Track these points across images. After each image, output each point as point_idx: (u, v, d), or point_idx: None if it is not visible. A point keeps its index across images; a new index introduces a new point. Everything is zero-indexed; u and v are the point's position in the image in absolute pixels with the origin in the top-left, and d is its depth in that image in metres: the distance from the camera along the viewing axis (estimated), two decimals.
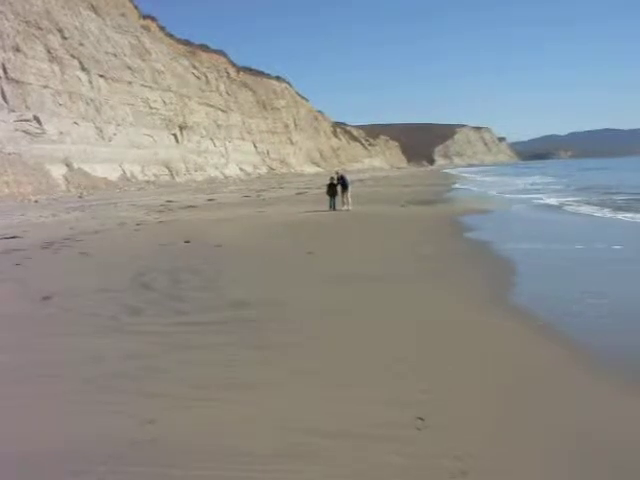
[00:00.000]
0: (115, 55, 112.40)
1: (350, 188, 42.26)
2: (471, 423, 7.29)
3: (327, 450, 6.58)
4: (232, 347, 10.63)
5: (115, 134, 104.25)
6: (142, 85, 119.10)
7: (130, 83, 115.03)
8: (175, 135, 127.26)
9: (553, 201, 46.88)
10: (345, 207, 40.71)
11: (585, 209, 38.58)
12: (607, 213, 35.30)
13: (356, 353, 10.16)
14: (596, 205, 40.77)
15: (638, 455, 6.52)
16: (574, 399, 8.16)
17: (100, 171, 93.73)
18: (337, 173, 43.78)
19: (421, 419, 7.32)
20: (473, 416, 7.50)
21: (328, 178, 44.51)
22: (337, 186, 41.92)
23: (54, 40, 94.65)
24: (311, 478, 6.00)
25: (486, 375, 9.05)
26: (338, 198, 41.69)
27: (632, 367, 9.55)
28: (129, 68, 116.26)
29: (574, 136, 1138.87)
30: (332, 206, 41.27)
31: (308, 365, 9.54)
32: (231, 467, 6.27)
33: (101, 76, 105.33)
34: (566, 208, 40.06)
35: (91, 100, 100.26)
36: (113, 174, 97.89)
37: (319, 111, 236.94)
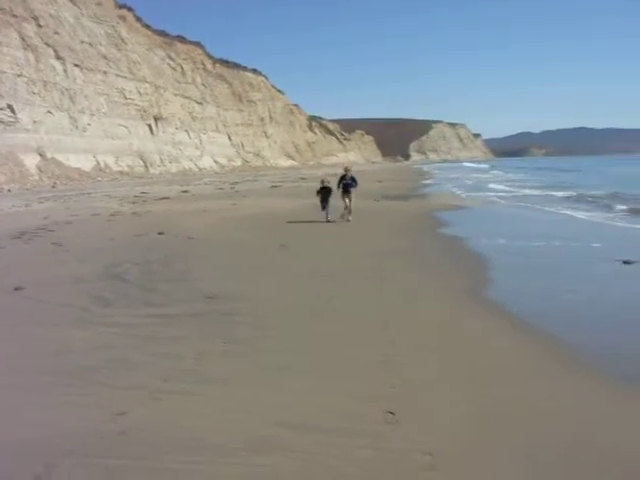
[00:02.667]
0: (91, 44, 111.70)
1: (355, 192, 31.56)
2: (441, 418, 7.33)
3: (297, 443, 6.60)
4: (202, 339, 10.64)
5: (89, 124, 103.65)
6: (117, 75, 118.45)
7: (105, 73, 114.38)
8: (150, 126, 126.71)
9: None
10: (347, 217, 30.60)
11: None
12: (574, 211, 35.65)
13: (327, 347, 10.19)
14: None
15: (609, 452, 6.59)
16: (545, 393, 8.23)
17: (74, 161, 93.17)
18: (347, 170, 31.95)
19: (391, 413, 7.36)
20: (443, 411, 7.54)
21: (318, 182, 33.51)
22: (331, 190, 31.18)
23: (29, 28, 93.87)
24: (281, 471, 6.02)
25: (457, 370, 9.11)
26: (332, 205, 31.29)
27: (602, 358, 9.72)
28: (105, 58, 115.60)
29: (548, 134, 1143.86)
30: (327, 216, 30.72)
31: (279, 359, 9.56)
32: (201, 460, 6.28)
33: (76, 65, 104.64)
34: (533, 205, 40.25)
35: (66, 89, 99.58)
36: (87, 164, 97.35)
37: (295, 104, 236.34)
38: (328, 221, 30.12)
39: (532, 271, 17.42)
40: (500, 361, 9.65)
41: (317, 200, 32.08)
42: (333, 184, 31.98)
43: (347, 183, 31.07)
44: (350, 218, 30.50)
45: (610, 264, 17.76)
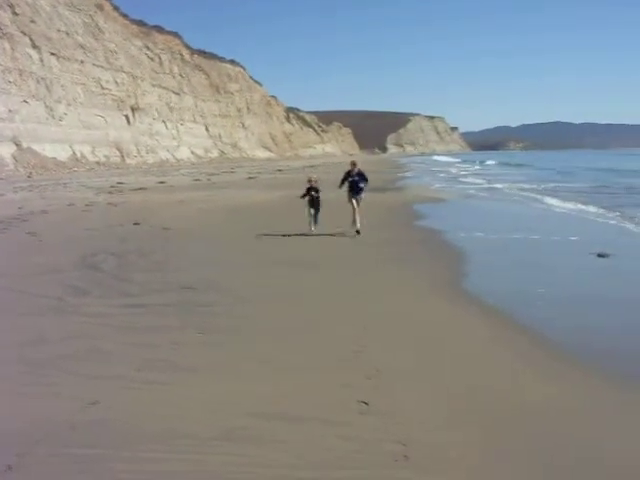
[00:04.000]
0: (67, 33, 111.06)
1: (364, 193, 24.11)
2: (414, 408, 7.36)
3: (271, 433, 6.61)
4: (178, 330, 10.63)
5: (66, 114, 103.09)
6: (94, 65, 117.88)
7: (82, 62, 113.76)
8: (127, 116, 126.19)
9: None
10: (354, 226, 23.04)
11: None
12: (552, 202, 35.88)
13: (302, 338, 10.20)
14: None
15: (574, 440, 6.65)
16: (516, 383, 8.29)
17: (50, 151, 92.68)
18: (354, 165, 24.11)
19: (365, 403, 7.39)
20: (416, 401, 7.57)
21: (306, 181, 24.93)
22: (319, 193, 23.82)
23: (4, 16, 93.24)
24: (255, 461, 6.02)
25: (431, 361, 9.16)
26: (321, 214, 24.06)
27: (572, 347, 9.86)
28: (81, 47, 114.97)
29: (525, 128, 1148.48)
30: (313, 223, 23.68)
31: (254, 349, 9.57)
32: (175, 449, 6.27)
33: (53, 54, 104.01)
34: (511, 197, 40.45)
35: (42, 78, 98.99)
36: (63, 154, 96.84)
37: (272, 96, 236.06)
38: (312, 231, 22.82)
39: (508, 264, 17.54)
40: (474, 352, 9.70)
41: (306, 208, 23.94)
42: (324, 185, 25.53)
43: (355, 180, 23.25)
44: (359, 226, 22.39)
45: (585, 257, 17.91)
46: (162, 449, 6.28)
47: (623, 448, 6.53)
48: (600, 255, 17.83)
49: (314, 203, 23.68)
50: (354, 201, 23.30)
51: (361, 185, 23.57)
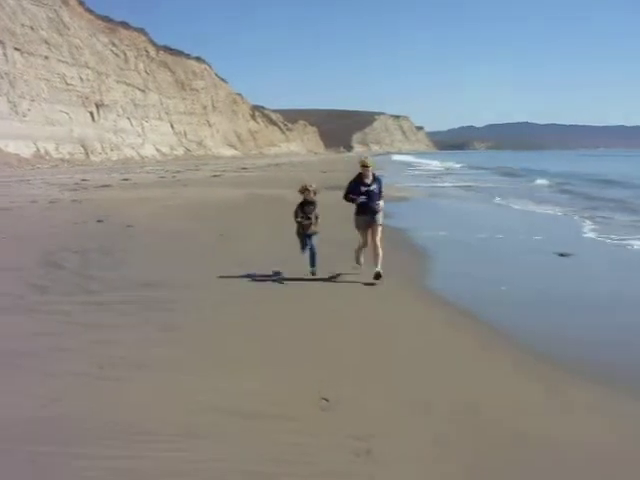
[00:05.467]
0: (32, 28, 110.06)
1: (382, 216, 15.66)
2: (374, 403, 7.43)
3: (232, 429, 6.64)
4: (139, 327, 10.63)
5: (29, 109, 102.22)
6: (59, 60, 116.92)
7: (47, 58, 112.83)
8: (91, 113, 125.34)
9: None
10: (375, 266, 14.94)
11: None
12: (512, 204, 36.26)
13: (263, 335, 10.25)
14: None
15: (534, 437, 6.75)
16: (474, 379, 8.39)
17: (13, 147, 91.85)
18: (364, 162, 15.57)
19: (326, 400, 7.44)
20: (376, 396, 7.64)
21: (299, 188, 16.01)
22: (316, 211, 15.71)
23: None
24: (215, 457, 6.04)
25: (393, 357, 9.24)
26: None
27: (532, 343, 10.03)
28: (46, 42, 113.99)
29: (491, 128, 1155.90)
30: (305, 247, 15.78)
31: (215, 346, 9.60)
32: (136, 446, 6.28)
33: (16, 49, 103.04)
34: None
35: (5, 74, 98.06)
36: (26, 151, 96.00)
37: (238, 94, 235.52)
38: (313, 273, 15.39)
39: (471, 263, 17.68)
40: (435, 349, 9.80)
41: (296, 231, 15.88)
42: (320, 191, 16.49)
43: (370, 193, 15.21)
44: (379, 267, 14.74)
45: (547, 256, 18.15)
46: (123, 446, 6.29)
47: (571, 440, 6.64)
48: (561, 254, 18.08)
49: (304, 230, 15.57)
50: (369, 230, 15.25)
51: (378, 202, 15.18)
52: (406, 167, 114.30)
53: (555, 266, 17.12)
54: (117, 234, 21.63)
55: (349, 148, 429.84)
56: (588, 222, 26.96)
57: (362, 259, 15.86)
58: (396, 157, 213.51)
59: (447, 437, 6.66)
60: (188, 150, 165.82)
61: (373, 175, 15.31)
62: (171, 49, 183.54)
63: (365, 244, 15.48)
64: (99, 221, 24.77)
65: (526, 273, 16.47)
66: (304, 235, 15.59)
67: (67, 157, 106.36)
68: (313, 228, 15.57)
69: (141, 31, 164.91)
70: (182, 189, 44.85)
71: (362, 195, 15.10)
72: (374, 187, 15.18)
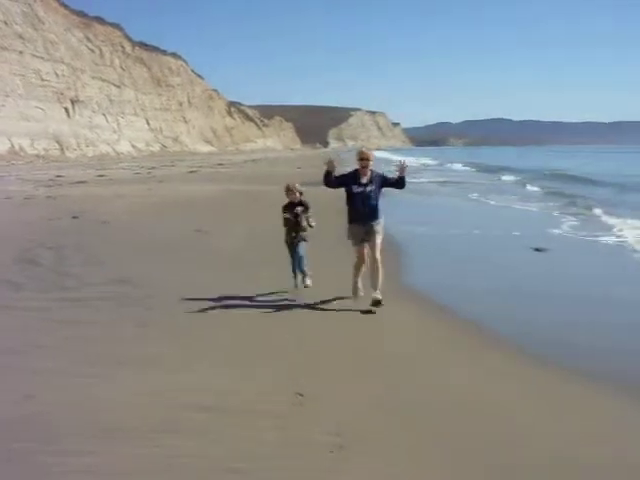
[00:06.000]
0: (6, 23, 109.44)
1: (382, 225, 12.70)
2: (348, 399, 7.45)
3: (206, 425, 6.63)
4: (114, 323, 10.61)
5: (4, 105, 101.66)
6: (34, 55, 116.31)
7: (21, 53, 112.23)
8: (67, 109, 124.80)
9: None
10: (374, 290, 12.11)
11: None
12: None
13: (237, 331, 10.25)
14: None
15: (506, 427, 6.79)
16: (448, 377, 8.42)
17: None
18: (364, 155, 12.42)
19: (300, 395, 7.45)
20: (350, 392, 7.66)
21: (283, 189, 14.00)
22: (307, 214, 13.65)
23: None
24: (190, 452, 6.03)
25: (366, 354, 9.27)
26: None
27: (506, 340, 10.07)
28: (20, 37, 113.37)
29: (467, 124, 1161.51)
30: (295, 273, 13.73)
31: (189, 342, 9.59)
32: (111, 442, 6.26)
33: None
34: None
35: None
36: (1, 147, 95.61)
37: (214, 89, 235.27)
38: (306, 286, 13.45)
39: (448, 259, 17.78)
40: (408, 346, 9.83)
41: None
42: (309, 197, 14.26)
43: (367, 194, 12.40)
44: (378, 294, 12.04)
45: (523, 251, 18.28)
46: (97, 442, 6.26)
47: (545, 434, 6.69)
48: (537, 249, 18.22)
49: (296, 231, 13.55)
50: (366, 242, 12.37)
51: (374, 203, 12.38)
52: (381, 164, 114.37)
53: (530, 260, 17.27)
54: (92, 230, 21.55)
55: (325, 144, 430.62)
56: (563, 218, 27.13)
57: (361, 285, 12.50)
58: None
59: (421, 433, 6.68)
60: (164, 146, 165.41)
61: (371, 172, 12.23)
62: (147, 45, 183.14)
63: (362, 262, 12.36)
64: (74, 217, 24.66)
65: (500, 267, 16.73)
66: (295, 243, 13.34)
67: (42, 153, 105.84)
68: (301, 233, 13.37)
69: (116, 26, 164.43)
70: (158, 185, 44.72)
71: (355, 197, 12.16)
72: (371, 188, 12.14)
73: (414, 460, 6.06)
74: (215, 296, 12.61)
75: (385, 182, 12.47)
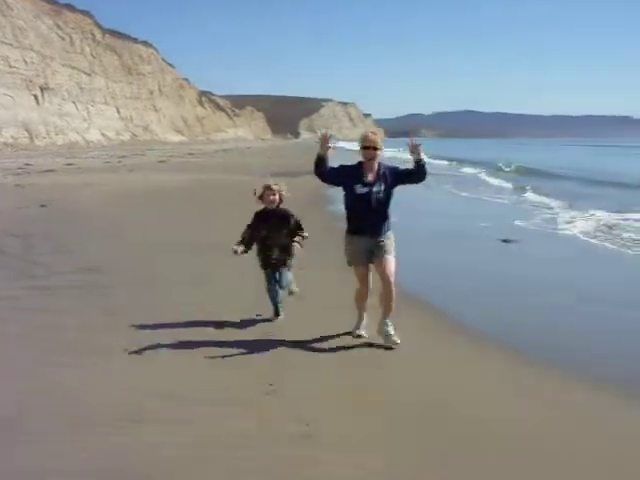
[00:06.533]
0: None
1: (392, 239, 9.57)
2: (317, 389, 7.48)
3: (174, 414, 6.64)
4: (83, 312, 10.58)
5: None
6: (2, 42, 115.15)
7: None
8: (36, 96, 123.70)
9: None
10: (382, 329, 9.32)
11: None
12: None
13: (206, 319, 10.22)
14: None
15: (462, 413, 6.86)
16: (415, 365, 8.48)
17: None
18: (369, 141, 9.16)
19: (270, 385, 7.48)
20: (319, 382, 7.69)
21: (252, 193, 10.26)
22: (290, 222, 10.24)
23: None
24: (161, 441, 6.06)
25: (333, 342, 9.29)
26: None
27: (464, 327, 10.31)
28: None
29: (439, 116, 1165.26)
30: (275, 300, 10.41)
31: (159, 331, 9.57)
32: (78, 431, 6.26)
33: None
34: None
35: None
36: None
37: (185, 79, 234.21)
38: (291, 292, 10.89)
39: (416, 249, 17.82)
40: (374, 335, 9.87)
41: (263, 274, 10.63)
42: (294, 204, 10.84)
43: (376, 197, 9.24)
44: (392, 333, 9.23)
45: (491, 243, 18.41)
46: (64, 431, 6.26)
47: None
48: (504, 241, 18.34)
49: (268, 253, 10.26)
50: (373, 264, 9.48)
51: (384, 209, 9.42)
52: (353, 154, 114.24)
53: (497, 251, 17.44)
54: (61, 219, 21.47)
55: (296, 134, 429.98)
56: (530, 210, 27.38)
57: (365, 322, 9.69)
58: (341, 145, 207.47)
59: (391, 421, 6.73)
60: (134, 135, 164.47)
61: (379, 166, 9.18)
62: (117, 32, 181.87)
63: (366, 290, 9.51)
64: (43, 206, 24.53)
65: (468, 257, 16.88)
66: (271, 268, 10.23)
67: (10, 141, 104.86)
68: (288, 258, 10.23)
69: (87, 14, 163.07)
70: (128, 174, 44.58)
71: (358, 201, 9.15)
72: (380, 188, 9.10)
73: (384, 452, 6.10)
74: (186, 284, 12.61)
75: (398, 177, 9.24)
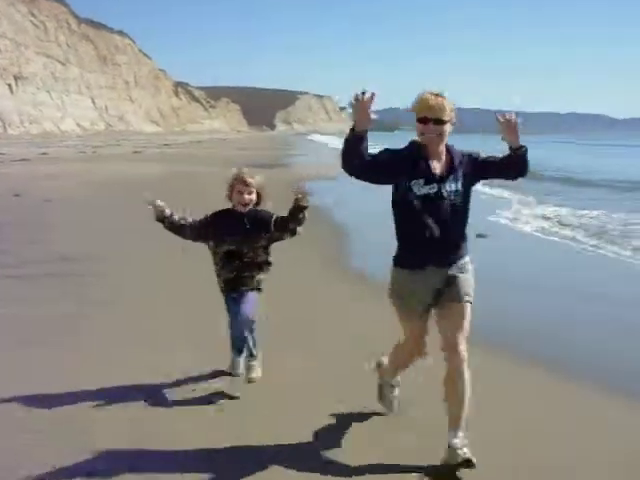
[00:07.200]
0: None
1: (472, 273, 5.69)
2: (291, 373, 7.45)
3: (144, 405, 6.61)
4: (57, 301, 10.49)
5: None
6: None
7: None
8: (9, 85, 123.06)
9: None
10: (457, 430, 5.21)
11: None
12: None
13: (182, 308, 10.17)
14: None
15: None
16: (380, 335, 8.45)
17: None
18: (430, 106, 5.22)
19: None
20: (282, 361, 7.67)
21: (228, 181, 6.87)
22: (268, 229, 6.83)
23: None
24: (135, 417, 6.02)
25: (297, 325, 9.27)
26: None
27: None
28: None
29: None
30: (236, 348, 7.06)
31: (133, 320, 9.54)
32: (50, 420, 6.21)
33: None
34: None
35: None
36: None
37: (161, 69, 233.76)
38: (250, 380, 6.93)
39: (390, 242, 17.82)
40: (352, 319, 9.83)
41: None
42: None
43: (449, 202, 5.42)
44: (464, 445, 5.09)
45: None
46: (39, 419, 6.20)
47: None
48: (479, 235, 18.34)
49: (233, 274, 7.00)
50: (439, 313, 5.55)
51: (461, 221, 5.67)
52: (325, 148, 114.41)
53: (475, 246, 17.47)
54: (35, 208, 21.35)
55: (272, 126, 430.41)
56: (504, 207, 27.50)
57: (397, 391, 6.42)
58: (315, 137, 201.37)
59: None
60: (109, 125, 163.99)
61: (449, 151, 5.55)
62: (93, 22, 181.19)
63: (420, 352, 5.93)
64: (16, 195, 24.36)
65: None
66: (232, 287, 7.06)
67: None
68: (257, 274, 7.07)
69: (62, 2, 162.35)
70: (103, 164, 44.39)
71: (419, 208, 5.45)
72: (456, 187, 5.52)
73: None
74: (160, 273, 12.56)
75: (484, 169, 5.69)
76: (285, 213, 6.82)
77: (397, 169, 5.36)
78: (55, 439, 5.68)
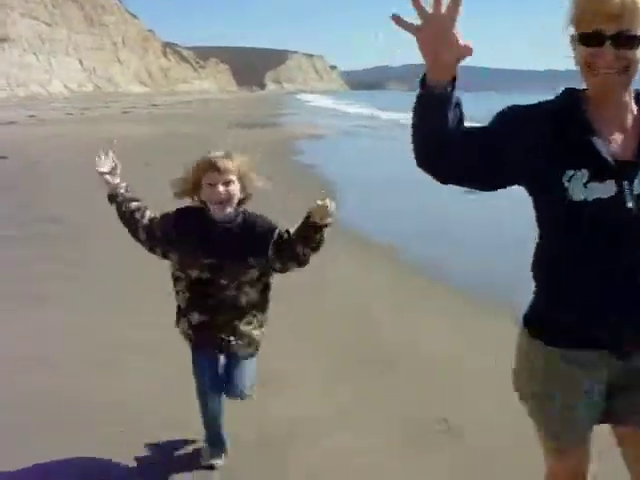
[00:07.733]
0: None
1: None
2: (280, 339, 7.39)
3: (127, 362, 6.60)
4: (38, 262, 10.48)
5: None
6: None
7: None
8: None
9: None
10: None
11: None
12: None
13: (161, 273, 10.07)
14: None
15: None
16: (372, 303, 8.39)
17: None
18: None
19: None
20: (286, 333, 7.59)
21: (195, 166, 4.47)
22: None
23: None
24: (121, 387, 5.95)
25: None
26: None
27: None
28: None
29: (408, 68, 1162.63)
30: (211, 432, 4.63)
31: (114, 282, 9.47)
32: (32, 375, 6.15)
33: None
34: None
35: None
36: None
37: (149, 30, 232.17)
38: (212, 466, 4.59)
39: (375, 196, 17.83)
40: (345, 280, 9.76)
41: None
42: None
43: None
44: None
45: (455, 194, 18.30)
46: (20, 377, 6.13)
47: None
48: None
49: (206, 316, 4.52)
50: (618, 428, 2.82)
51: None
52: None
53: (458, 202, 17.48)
54: (22, 170, 21.28)
55: (262, 86, 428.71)
56: None
57: None
58: (307, 97, 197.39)
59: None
60: (97, 87, 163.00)
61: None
62: None
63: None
64: (3, 157, 24.21)
65: (428, 208, 16.70)
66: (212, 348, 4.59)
67: None
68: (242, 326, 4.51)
69: None
70: (92, 126, 44.10)
71: (586, 227, 2.46)
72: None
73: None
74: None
75: None
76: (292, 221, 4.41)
77: (534, 151, 2.55)
78: None
